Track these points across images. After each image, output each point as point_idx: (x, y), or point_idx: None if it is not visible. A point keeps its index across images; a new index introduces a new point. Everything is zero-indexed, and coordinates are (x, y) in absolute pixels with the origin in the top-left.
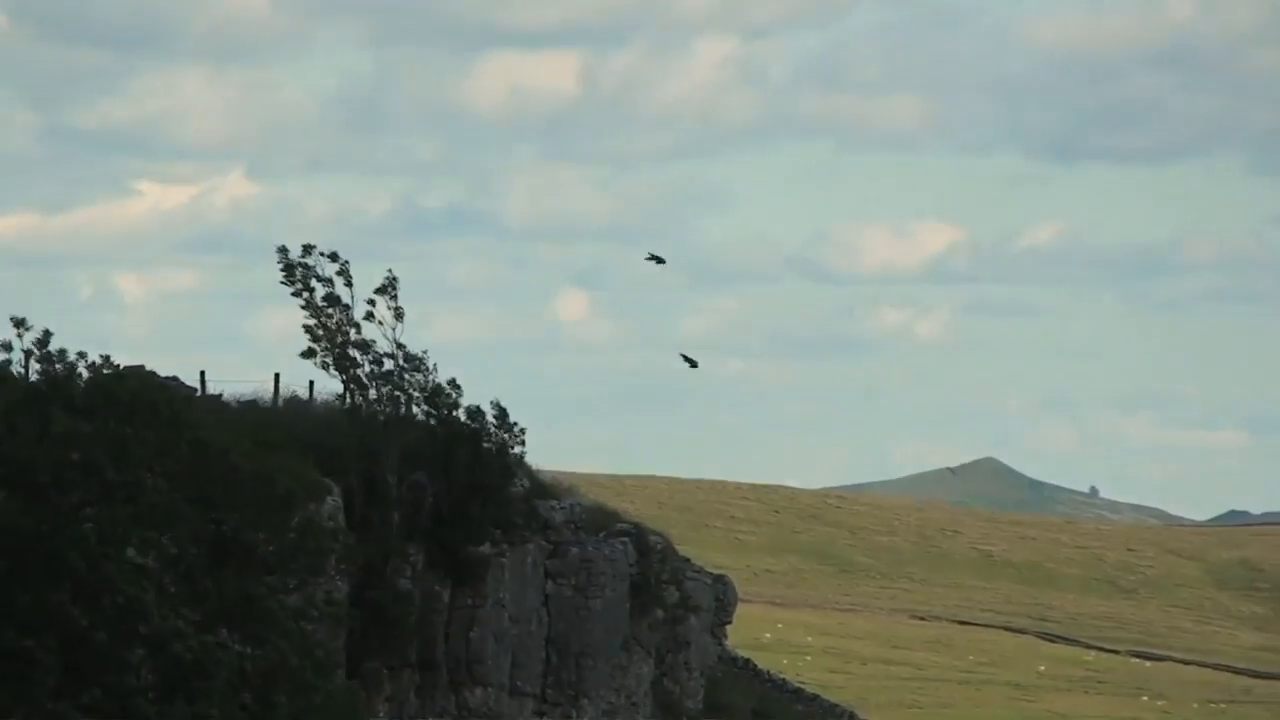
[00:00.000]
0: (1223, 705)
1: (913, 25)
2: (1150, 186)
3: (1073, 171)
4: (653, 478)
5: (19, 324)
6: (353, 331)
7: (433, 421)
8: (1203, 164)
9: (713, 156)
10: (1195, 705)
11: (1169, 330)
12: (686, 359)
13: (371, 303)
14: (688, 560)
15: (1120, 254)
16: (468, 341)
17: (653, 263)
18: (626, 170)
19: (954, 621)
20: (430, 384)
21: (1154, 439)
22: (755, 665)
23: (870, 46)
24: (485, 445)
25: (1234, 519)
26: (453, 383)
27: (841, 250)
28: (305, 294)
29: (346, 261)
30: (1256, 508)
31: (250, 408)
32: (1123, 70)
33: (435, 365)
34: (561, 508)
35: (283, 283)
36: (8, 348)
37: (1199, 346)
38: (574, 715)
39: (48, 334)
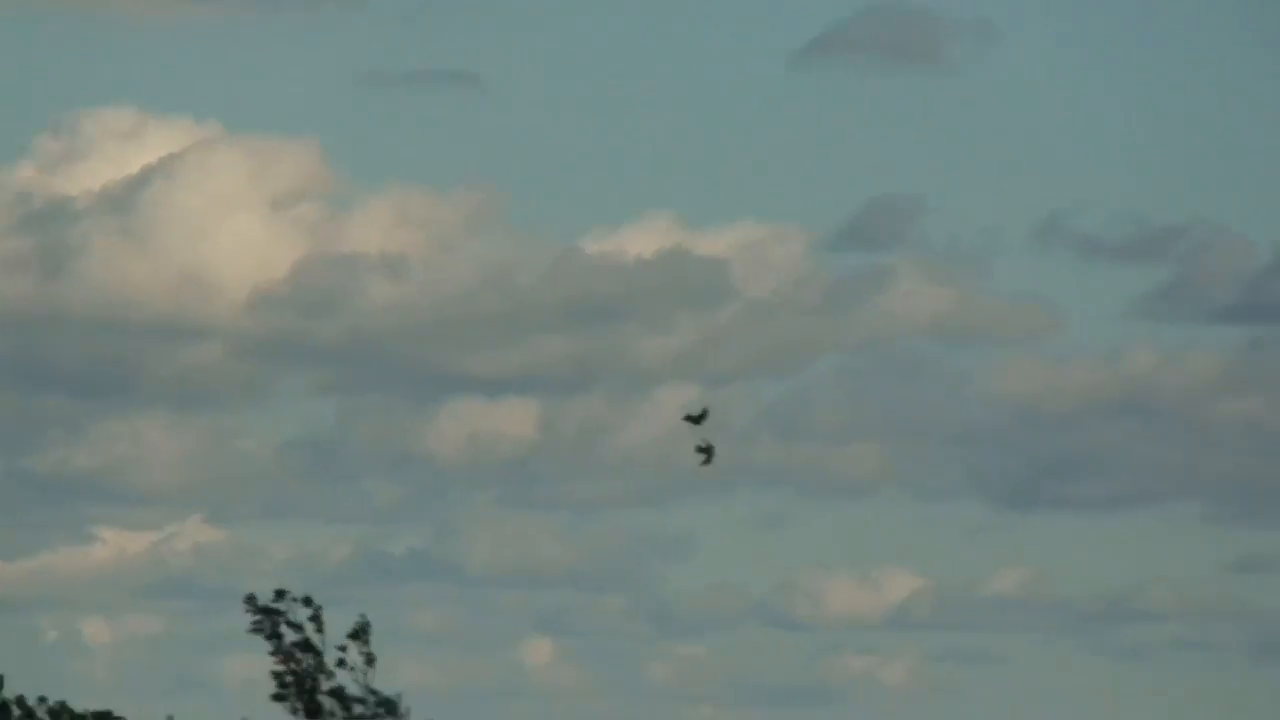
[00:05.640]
0: None
1: (873, 374)
2: (1109, 534)
3: (1031, 519)
4: None
5: None
6: (323, 678)
7: None
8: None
9: (673, 504)
10: None
11: (1133, 675)
12: (701, 450)
13: (343, 648)
14: None
15: (1083, 601)
16: (433, 689)
17: (691, 422)
18: (588, 516)
19: None
20: None
21: None
22: None
23: (829, 394)
24: None
25: None
26: None
27: (805, 598)
28: (275, 639)
29: (320, 607)
30: None
31: None
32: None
33: (409, 709)
34: None
35: (251, 630)
36: None
37: (1164, 692)
38: None
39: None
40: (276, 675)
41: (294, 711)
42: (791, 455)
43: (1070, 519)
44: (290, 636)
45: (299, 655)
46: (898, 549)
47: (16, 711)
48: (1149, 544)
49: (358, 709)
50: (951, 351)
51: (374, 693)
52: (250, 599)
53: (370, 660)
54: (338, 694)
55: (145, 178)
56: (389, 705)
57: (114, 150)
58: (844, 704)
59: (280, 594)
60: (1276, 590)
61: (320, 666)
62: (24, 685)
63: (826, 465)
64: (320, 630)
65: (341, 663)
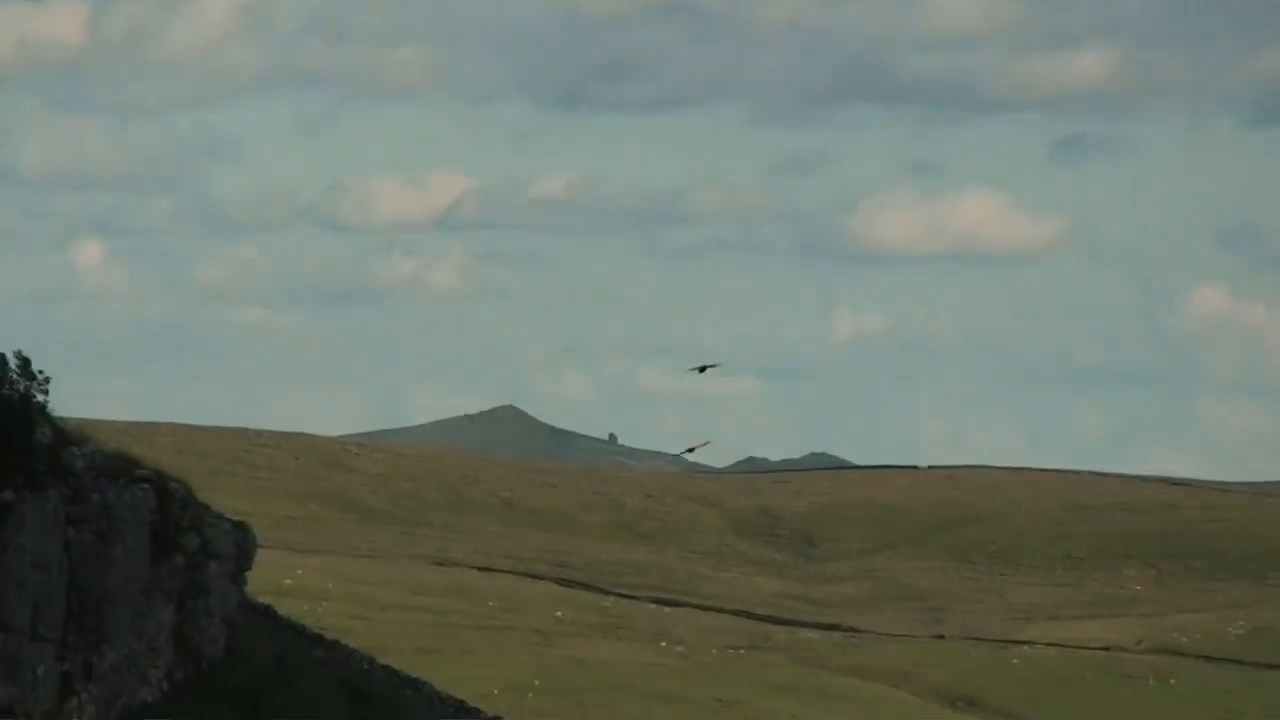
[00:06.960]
0: (742, 650)
1: None
2: (656, 136)
3: (579, 121)
4: (173, 425)
5: None
6: None
7: None
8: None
9: (222, 107)
10: (714, 651)
11: (681, 278)
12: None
13: None
14: (208, 507)
15: (631, 202)
16: None
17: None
18: (138, 119)
19: (474, 568)
20: None
21: (670, 386)
22: (276, 612)
23: None
24: (6, 393)
25: (752, 466)
26: None
27: (353, 200)
28: None
29: None
30: (774, 455)
31: None
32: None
33: None
34: (82, 455)
35: None
36: None
37: (711, 294)
38: (95, 660)
39: None
40: None
41: None
42: (338, 58)
43: (617, 121)
44: None
45: None
46: (445, 151)
47: None
48: (694, 146)
49: None
50: None
51: None
52: None
53: None
54: None
55: None
56: None
57: None
58: (393, 304)
59: None
60: (818, 191)
61: None
62: None
63: (373, 68)
64: None
65: None
